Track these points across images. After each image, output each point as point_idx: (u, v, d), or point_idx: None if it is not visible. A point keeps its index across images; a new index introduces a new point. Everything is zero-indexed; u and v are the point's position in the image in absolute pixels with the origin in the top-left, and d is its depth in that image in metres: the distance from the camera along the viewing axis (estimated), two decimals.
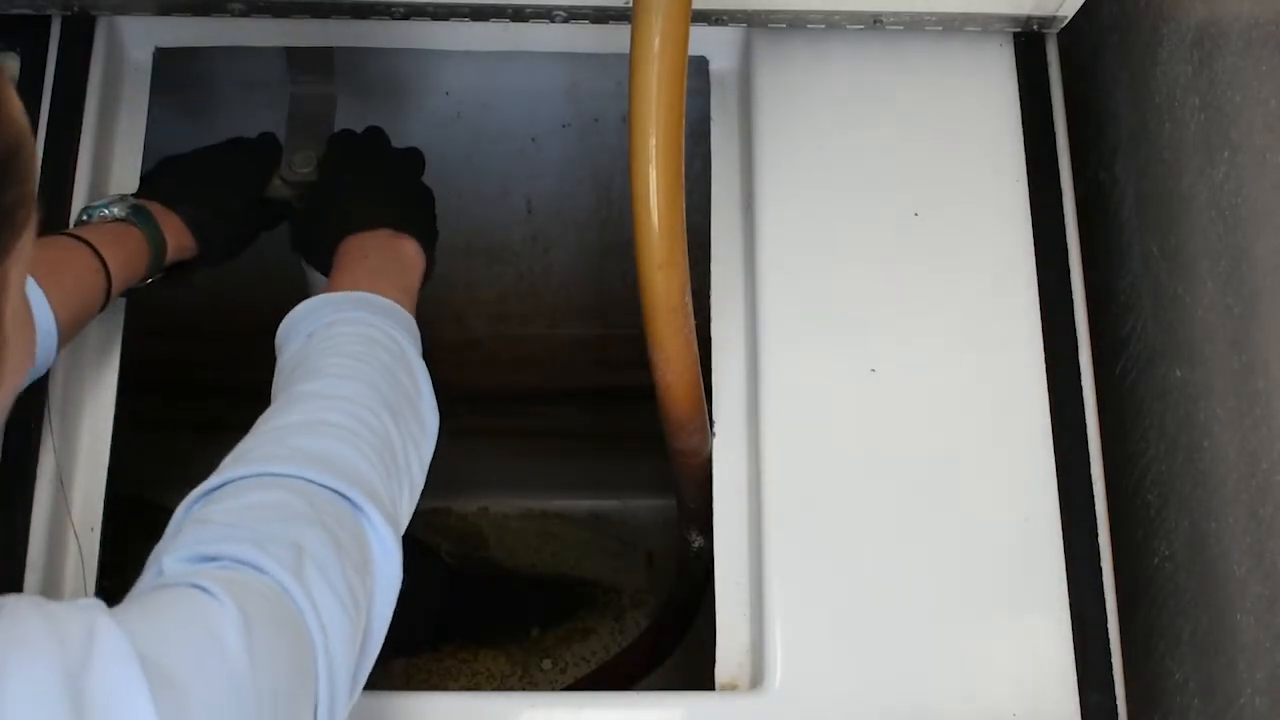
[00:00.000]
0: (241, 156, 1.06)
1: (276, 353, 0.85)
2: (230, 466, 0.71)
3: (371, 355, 0.81)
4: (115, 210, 0.94)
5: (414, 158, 1.06)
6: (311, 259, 1.01)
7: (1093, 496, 0.94)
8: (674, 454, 0.99)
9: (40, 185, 0.98)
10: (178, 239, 0.97)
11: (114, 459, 0.96)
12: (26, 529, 0.91)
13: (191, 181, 1.01)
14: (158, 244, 0.95)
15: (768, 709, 0.88)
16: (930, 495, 0.93)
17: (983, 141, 1.02)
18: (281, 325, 0.86)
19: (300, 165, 1.06)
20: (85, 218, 0.95)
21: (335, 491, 0.70)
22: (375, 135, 1.06)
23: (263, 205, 1.05)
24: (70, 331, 0.87)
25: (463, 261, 1.46)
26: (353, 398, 0.77)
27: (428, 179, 1.04)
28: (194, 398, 1.58)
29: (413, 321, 0.88)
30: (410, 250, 0.96)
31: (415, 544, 1.56)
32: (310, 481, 0.70)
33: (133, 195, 0.98)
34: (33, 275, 0.82)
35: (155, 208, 0.96)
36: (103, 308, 0.91)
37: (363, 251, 0.94)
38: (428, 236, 0.98)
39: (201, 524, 0.67)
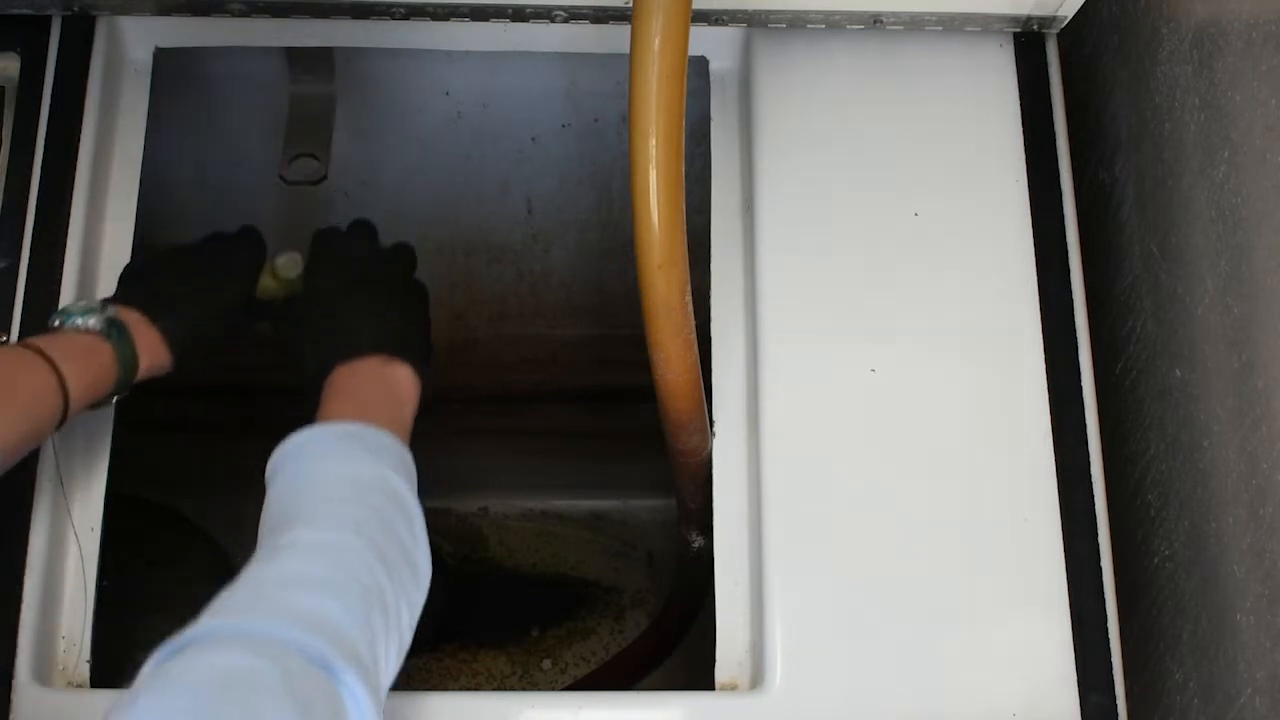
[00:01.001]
0: (228, 257, 0.99)
1: (266, 485, 0.81)
2: (208, 617, 0.67)
3: (362, 499, 0.78)
4: (90, 322, 0.87)
5: (404, 257, 1.00)
6: (301, 385, 0.94)
7: (1093, 496, 0.94)
8: (674, 454, 0.99)
9: (40, 185, 0.99)
10: (152, 357, 0.91)
11: (114, 459, 0.96)
12: (26, 529, 0.91)
13: (176, 289, 0.94)
14: (129, 364, 0.88)
15: (768, 709, 0.88)
16: (930, 495, 0.93)
17: (983, 141, 1.02)
18: (271, 459, 0.82)
19: (285, 270, 1.00)
20: (57, 323, 0.88)
21: (314, 654, 0.66)
22: (361, 234, 1.00)
23: (247, 307, 1.00)
24: (12, 457, 0.80)
25: (463, 261, 1.46)
26: (342, 548, 0.73)
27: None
28: (194, 398, 1.58)
29: (408, 455, 0.85)
30: (404, 379, 0.91)
31: None
32: (287, 643, 0.66)
33: (112, 301, 0.91)
34: None
35: (133, 319, 0.90)
36: (57, 429, 0.84)
37: (352, 384, 0.89)
38: (422, 357, 0.94)
39: (163, 683, 0.62)
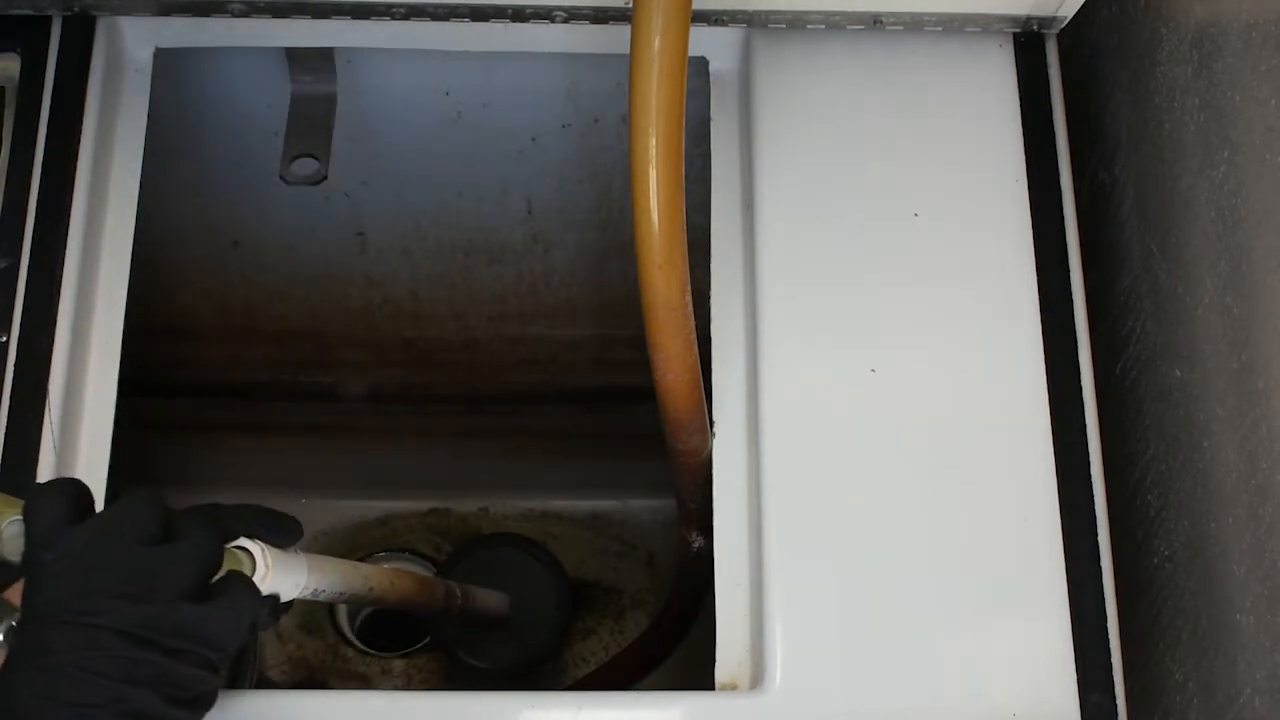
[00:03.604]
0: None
1: None
2: None
3: None
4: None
5: (189, 569, 0.63)
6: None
7: (1093, 496, 0.94)
8: (674, 454, 0.99)
9: (41, 185, 0.99)
10: None
11: (114, 459, 0.95)
12: None
13: None
14: None
15: (768, 709, 0.88)
16: (930, 495, 0.93)
17: (983, 141, 1.02)
18: None
19: (8, 547, 0.71)
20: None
21: None
22: (126, 524, 0.64)
23: None
24: None
25: (463, 261, 1.46)
26: None
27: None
28: (194, 398, 1.58)
29: None
30: None
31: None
32: None
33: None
34: None
35: None
36: None
37: None
38: None
39: None
